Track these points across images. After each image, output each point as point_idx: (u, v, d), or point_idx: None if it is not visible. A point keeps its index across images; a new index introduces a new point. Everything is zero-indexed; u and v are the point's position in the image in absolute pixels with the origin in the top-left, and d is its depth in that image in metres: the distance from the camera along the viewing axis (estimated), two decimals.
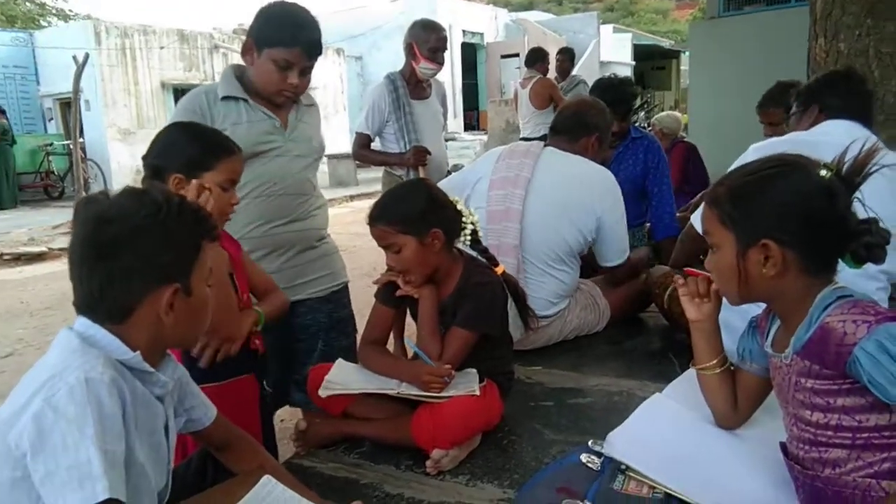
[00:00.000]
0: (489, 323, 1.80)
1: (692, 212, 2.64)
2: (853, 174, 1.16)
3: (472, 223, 1.87)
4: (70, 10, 25.34)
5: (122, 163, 13.31)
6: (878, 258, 1.14)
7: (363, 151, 3.53)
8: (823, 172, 1.16)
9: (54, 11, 24.59)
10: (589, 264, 2.78)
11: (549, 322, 2.41)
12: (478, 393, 1.69)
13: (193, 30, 14.80)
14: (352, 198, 12.35)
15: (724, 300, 1.38)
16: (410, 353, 2.07)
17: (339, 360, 1.91)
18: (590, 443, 1.50)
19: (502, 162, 2.49)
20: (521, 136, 6.60)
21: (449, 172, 3.47)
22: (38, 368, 1.04)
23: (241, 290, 1.75)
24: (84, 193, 9.95)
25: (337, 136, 14.94)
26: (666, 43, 25.84)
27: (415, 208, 1.75)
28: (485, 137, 15.02)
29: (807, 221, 1.15)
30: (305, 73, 2.10)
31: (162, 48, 13.96)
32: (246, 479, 1.27)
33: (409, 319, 2.03)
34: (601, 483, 1.34)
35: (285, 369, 2.23)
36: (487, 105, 16.14)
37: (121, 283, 1.06)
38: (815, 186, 1.15)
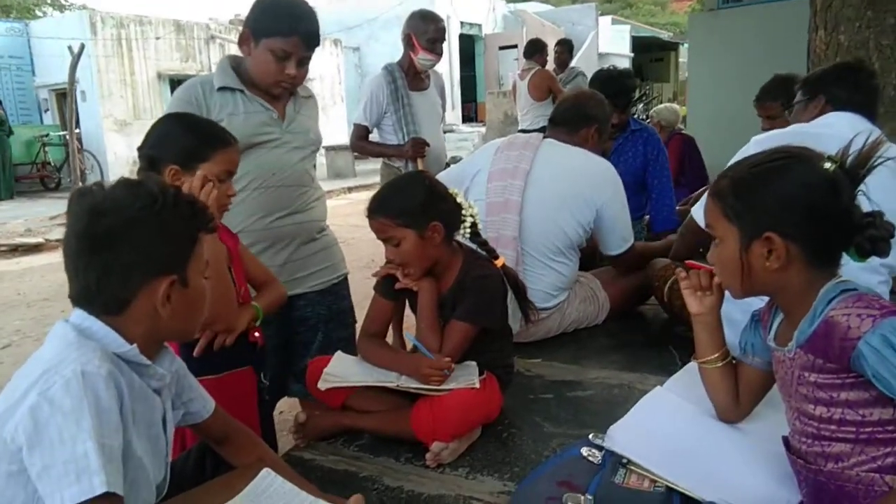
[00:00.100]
0: (489, 316, 1.80)
1: (693, 205, 2.64)
2: (857, 167, 1.15)
3: (472, 216, 1.86)
4: (65, 0, 25.20)
5: (118, 154, 13.26)
6: (883, 251, 1.13)
7: (361, 143, 3.51)
8: (828, 165, 1.15)
9: (49, 1, 24.47)
10: (588, 257, 2.77)
11: (549, 314, 2.41)
12: (478, 386, 1.69)
13: (190, 20, 14.70)
14: (350, 189, 12.32)
15: (727, 293, 1.37)
16: (409, 346, 2.07)
17: (339, 353, 1.90)
18: (590, 436, 1.49)
19: (501, 154, 2.48)
20: (519, 128, 6.59)
21: (447, 164, 3.46)
22: (33, 361, 1.03)
23: (239, 282, 1.74)
24: (80, 184, 9.90)
25: (334, 128, 14.91)
26: (664, 35, 25.76)
27: (414, 201, 1.74)
28: (483, 129, 14.98)
29: (811, 214, 1.14)
30: (303, 63, 2.08)
31: (158, 39, 13.87)
32: (245, 472, 1.26)
33: (408, 312, 2.02)
34: (602, 477, 1.34)
35: (284, 361, 2.22)
36: (486, 97, 16.07)
37: (117, 276, 1.05)
38: (819, 179, 1.14)
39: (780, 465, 1.25)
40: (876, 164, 1.15)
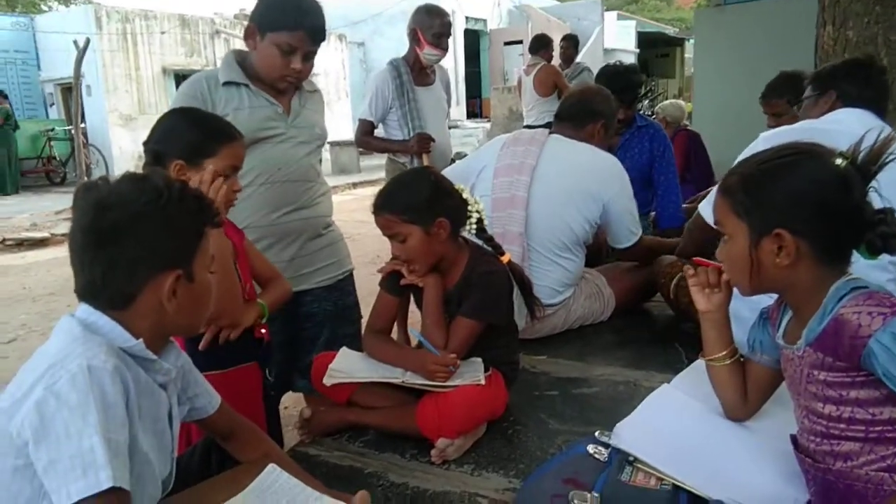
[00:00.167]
0: (495, 312, 1.79)
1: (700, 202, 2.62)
2: (869, 163, 1.14)
3: (478, 212, 1.85)
4: None
5: (123, 148, 13.28)
6: (894, 249, 1.12)
7: (366, 138, 3.49)
8: (839, 161, 1.14)
9: None
10: (594, 253, 2.76)
11: (554, 311, 2.40)
12: (483, 382, 1.69)
13: (195, 15, 14.70)
14: (354, 185, 12.32)
15: (735, 291, 1.36)
16: (414, 343, 2.06)
17: (344, 349, 1.90)
18: (596, 433, 1.48)
19: (507, 149, 2.47)
20: (524, 123, 6.56)
21: (452, 160, 3.45)
22: (39, 356, 1.03)
23: (244, 279, 1.74)
24: (86, 179, 9.93)
25: (339, 123, 14.89)
26: (670, 30, 25.64)
27: (420, 197, 1.73)
28: (488, 125, 14.95)
29: (821, 211, 1.13)
30: (309, 58, 2.08)
31: (163, 33, 13.88)
32: (251, 468, 1.26)
33: (413, 308, 2.02)
34: (609, 474, 1.33)
35: (289, 357, 2.22)
36: (490, 92, 16.04)
37: (122, 270, 1.05)
38: (830, 175, 1.13)
39: (787, 463, 1.25)
40: (888, 160, 1.14)
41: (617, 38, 21.74)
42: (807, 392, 1.17)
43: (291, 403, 2.75)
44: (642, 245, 2.57)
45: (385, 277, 1.89)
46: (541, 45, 6.54)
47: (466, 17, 19.11)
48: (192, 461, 1.37)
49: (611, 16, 22.12)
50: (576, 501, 1.27)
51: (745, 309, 1.48)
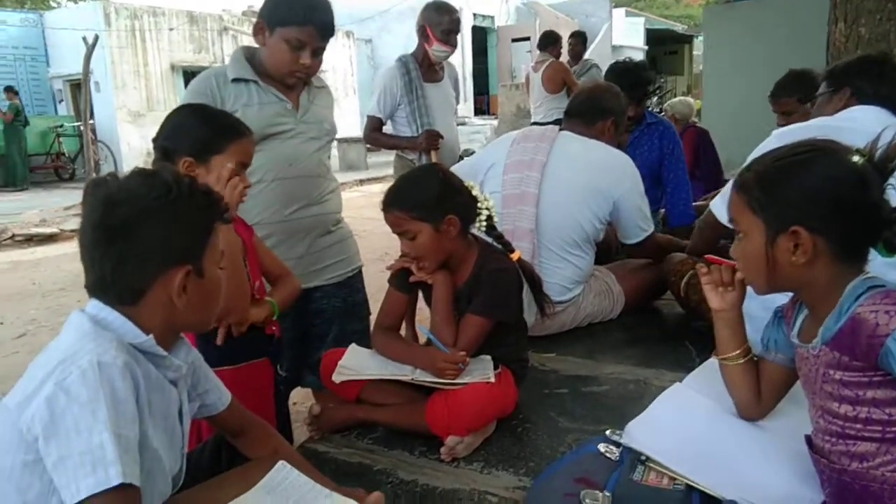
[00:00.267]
0: (504, 310, 1.78)
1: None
2: (886, 161, 1.13)
3: (488, 209, 1.84)
4: None
5: (132, 145, 13.33)
6: None
7: (375, 135, 3.48)
8: (856, 158, 1.12)
9: None
10: (604, 251, 2.75)
11: (564, 308, 2.39)
12: (493, 380, 1.68)
13: (203, 11, 14.73)
14: (362, 182, 12.32)
15: (748, 289, 1.34)
16: (422, 340, 2.05)
17: (353, 345, 1.90)
18: (607, 432, 1.47)
19: (517, 146, 2.46)
20: (532, 120, 6.54)
21: (460, 157, 3.44)
22: (50, 351, 1.03)
23: (253, 276, 1.73)
24: (94, 175, 9.98)
25: (347, 120, 14.89)
26: (679, 27, 25.55)
27: (429, 194, 1.72)
28: (495, 122, 14.93)
29: (839, 208, 1.11)
30: (318, 53, 2.08)
31: (171, 30, 13.91)
32: (261, 465, 1.26)
33: (420, 305, 2.01)
34: (621, 474, 1.32)
35: (299, 353, 2.22)
36: (498, 89, 16.02)
37: (132, 266, 1.04)
38: (847, 172, 1.11)
39: (802, 463, 1.23)
40: None
41: (625, 35, 21.68)
42: (822, 392, 1.15)
43: (300, 399, 2.75)
44: (653, 242, 2.55)
45: (394, 274, 1.88)
46: (549, 41, 6.52)
47: (474, 14, 19.08)
48: (202, 457, 1.37)
49: (619, 13, 22.06)
50: (587, 500, 1.26)
51: (757, 308, 1.46)
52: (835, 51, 3.55)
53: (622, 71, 3.29)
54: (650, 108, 3.52)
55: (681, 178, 3.24)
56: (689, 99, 5.78)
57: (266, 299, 1.73)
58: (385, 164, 12.26)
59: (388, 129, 3.49)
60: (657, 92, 13.78)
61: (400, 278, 1.87)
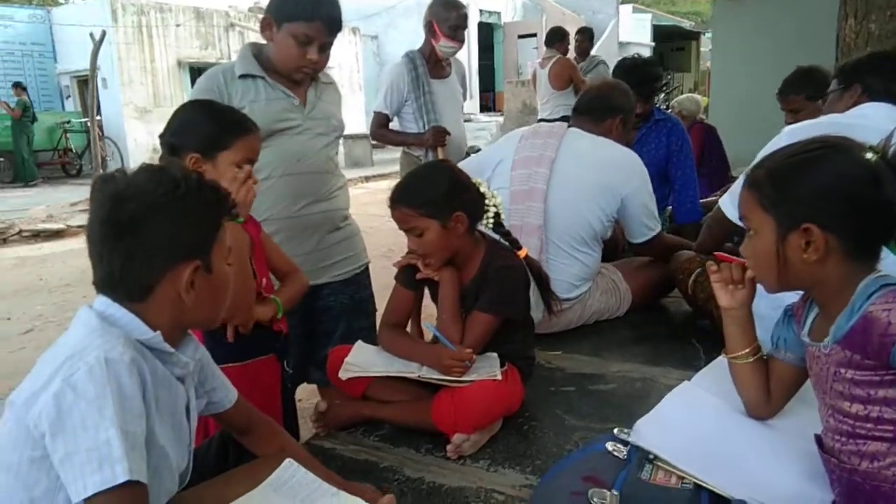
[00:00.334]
0: (512, 307, 1.77)
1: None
2: None
3: (495, 206, 1.84)
4: None
5: (138, 141, 13.36)
6: None
7: (381, 131, 3.47)
8: (869, 155, 1.11)
9: None
10: (610, 249, 2.74)
11: (570, 305, 2.38)
12: (499, 377, 1.67)
13: (209, 7, 14.74)
14: (367, 178, 12.32)
15: (759, 287, 1.33)
16: (428, 336, 2.05)
17: (359, 342, 1.89)
18: (615, 431, 1.46)
19: (525, 142, 2.45)
20: (539, 117, 6.52)
21: (467, 154, 3.43)
22: (57, 347, 1.03)
23: (260, 273, 1.72)
24: (101, 171, 10.00)
25: (353, 117, 14.88)
26: (686, 24, 25.45)
27: (438, 191, 1.72)
28: (501, 119, 14.91)
29: (851, 205, 1.10)
30: (325, 49, 2.07)
31: (178, 26, 13.93)
32: (268, 462, 1.25)
33: (426, 302, 2.01)
34: (629, 472, 1.31)
35: (306, 350, 2.22)
36: (504, 86, 15.98)
37: (140, 262, 1.04)
38: (860, 169, 1.10)
39: (811, 463, 1.22)
40: None
41: (632, 32, 21.60)
42: (833, 390, 1.14)
43: (306, 396, 2.75)
44: (660, 242, 2.54)
45: (401, 271, 1.88)
46: (556, 37, 6.49)
47: (480, 10, 19.01)
48: (208, 454, 1.37)
49: (626, 9, 21.98)
50: (595, 499, 1.25)
51: (765, 306, 1.45)
52: (844, 47, 3.52)
53: (630, 67, 3.28)
54: (657, 105, 3.50)
55: (689, 176, 3.22)
56: (697, 96, 5.75)
57: (271, 297, 1.72)
58: (391, 161, 12.25)
59: (394, 125, 3.49)
60: (664, 88, 13.74)
61: (406, 275, 1.86)
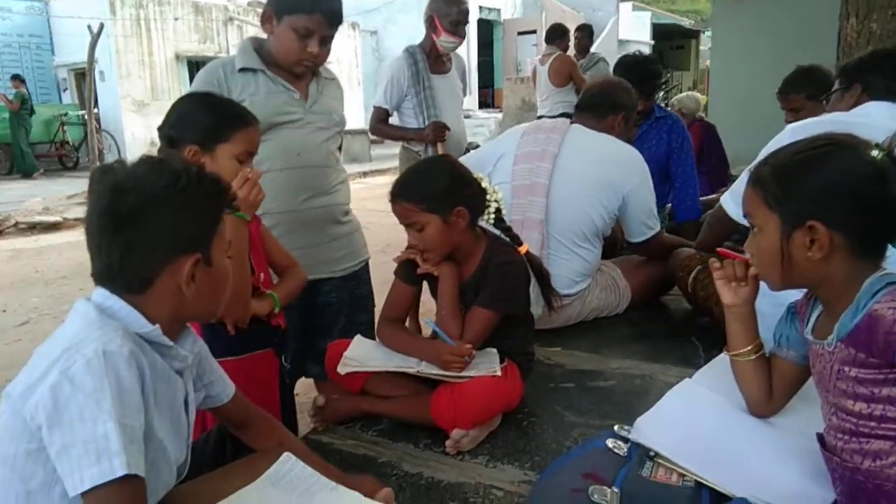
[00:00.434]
0: (512, 303, 1.77)
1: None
2: None
3: (497, 201, 1.83)
4: None
5: (136, 134, 13.31)
6: None
7: (381, 126, 3.45)
8: (875, 153, 1.10)
9: None
10: (610, 246, 2.73)
11: (570, 302, 2.38)
12: (499, 373, 1.67)
13: (208, 1, 14.68)
14: (365, 174, 12.28)
15: (762, 285, 1.32)
16: (426, 332, 2.04)
17: (358, 337, 1.89)
18: (616, 428, 1.46)
19: (528, 137, 2.45)
20: (538, 114, 6.50)
21: (466, 150, 3.41)
22: (54, 339, 1.01)
23: (259, 267, 1.71)
24: (98, 164, 9.95)
25: (351, 112, 14.79)
26: (686, 22, 25.42)
27: (439, 185, 1.71)
28: (500, 116, 14.89)
29: (857, 203, 1.09)
30: (326, 42, 2.06)
31: (176, 19, 13.87)
32: (266, 456, 1.25)
33: (425, 297, 2.00)
34: (629, 470, 1.30)
35: (305, 345, 2.21)
36: (503, 83, 15.95)
37: (140, 254, 1.03)
38: (866, 167, 1.09)
39: (813, 461, 1.21)
40: None
41: (632, 30, 21.57)
42: (836, 389, 1.14)
43: (303, 391, 2.74)
44: (659, 241, 2.54)
45: (400, 266, 1.87)
46: (557, 34, 6.47)
47: (480, 7, 18.96)
48: (206, 448, 1.36)
49: (626, 6, 21.94)
50: (596, 496, 1.24)
51: (767, 304, 1.44)
52: (846, 46, 3.51)
53: (631, 64, 3.27)
54: (657, 103, 3.49)
55: (689, 174, 3.21)
56: (697, 94, 5.74)
57: (268, 292, 1.71)
58: (389, 157, 12.23)
59: (394, 120, 3.46)
60: (664, 86, 13.74)
61: (406, 270, 1.85)
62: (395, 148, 3.63)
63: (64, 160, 13.58)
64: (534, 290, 1.90)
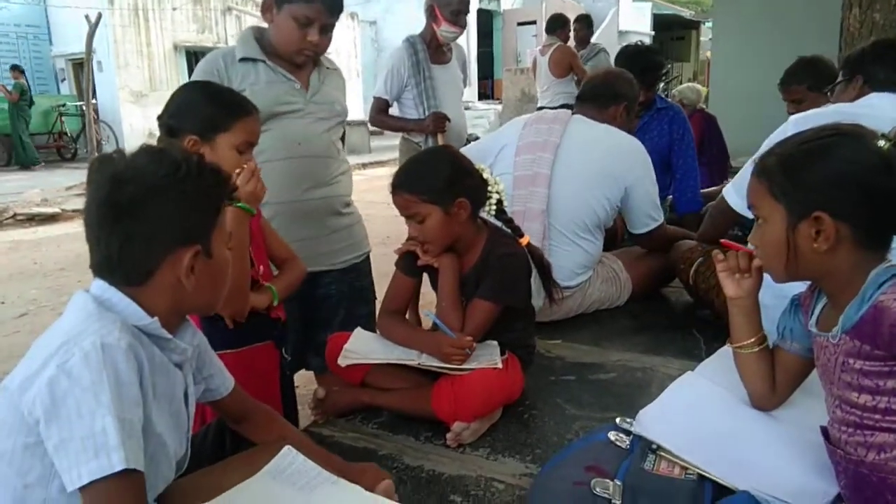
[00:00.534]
0: (513, 295, 1.76)
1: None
2: None
3: (498, 192, 1.81)
4: None
5: (134, 125, 13.27)
6: None
7: (381, 117, 3.43)
8: (882, 143, 1.09)
9: None
10: (611, 238, 2.72)
11: (571, 293, 2.37)
12: (500, 365, 1.66)
13: None
14: (364, 165, 12.24)
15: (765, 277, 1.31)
16: (427, 324, 2.03)
17: (358, 329, 1.88)
18: (617, 420, 1.45)
19: (530, 128, 2.44)
20: (538, 105, 6.48)
21: (467, 141, 3.39)
22: (52, 332, 1.00)
23: (258, 260, 1.70)
24: (97, 155, 9.92)
25: (350, 103, 14.70)
26: (686, 13, 25.33)
27: (440, 176, 1.69)
28: (499, 107, 14.84)
29: (863, 193, 1.08)
30: (326, 30, 2.04)
31: (175, 9, 13.80)
32: (267, 449, 1.24)
33: (425, 290, 1.99)
34: (632, 462, 1.30)
35: (305, 337, 2.20)
36: (503, 74, 15.89)
37: (139, 245, 1.02)
38: (873, 157, 1.08)
39: (817, 454, 1.21)
40: None
41: (632, 20, 21.49)
42: (840, 381, 1.13)
43: (303, 383, 2.74)
44: (661, 233, 2.53)
45: (401, 258, 1.86)
46: (557, 24, 6.43)
47: None
48: (205, 441, 1.35)
49: None
50: (598, 489, 1.24)
51: (768, 296, 1.43)
52: (848, 37, 3.49)
53: (633, 54, 3.25)
54: (658, 94, 3.47)
55: (690, 165, 3.20)
56: (698, 85, 5.72)
57: (266, 285, 1.70)
58: (388, 148, 12.18)
59: (394, 111, 3.44)
60: (664, 77, 13.69)
61: (406, 262, 1.84)
62: (394, 139, 3.61)
63: (62, 151, 13.54)
64: (535, 281, 1.89)
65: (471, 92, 17.92)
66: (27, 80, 12.53)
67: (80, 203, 1.22)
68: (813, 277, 1.21)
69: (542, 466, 1.47)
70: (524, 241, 1.86)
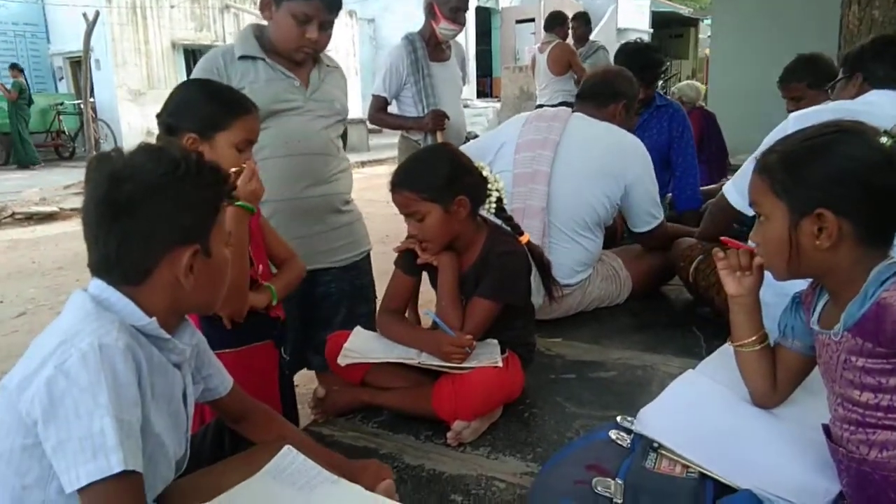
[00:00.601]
0: (513, 293, 1.75)
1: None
2: None
3: (498, 190, 1.81)
4: None
5: (132, 123, 13.25)
6: None
7: (380, 115, 3.42)
8: (884, 140, 1.09)
9: None
10: (610, 236, 2.72)
11: (571, 291, 2.36)
12: (500, 364, 1.66)
13: None
14: (363, 164, 12.22)
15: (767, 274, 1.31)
16: (427, 323, 2.03)
17: (358, 328, 1.87)
18: (618, 419, 1.45)
19: (530, 125, 2.43)
20: (537, 103, 6.46)
21: (466, 139, 3.39)
22: (50, 331, 1.00)
23: (257, 259, 1.69)
24: (95, 153, 9.90)
25: (349, 101, 14.73)
26: (685, 10, 25.29)
27: (440, 174, 1.69)
28: (498, 105, 14.82)
29: (866, 190, 1.07)
30: (325, 28, 2.04)
31: (173, 7, 13.77)
32: (266, 449, 1.23)
33: (425, 288, 1.98)
34: (633, 461, 1.29)
35: (305, 336, 2.19)
36: (501, 72, 15.88)
37: (138, 244, 1.01)
38: (875, 154, 1.08)
39: (818, 452, 1.20)
40: None
41: (631, 18, 21.45)
42: (843, 379, 1.12)
43: (303, 382, 2.73)
44: (662, 231, 2.52)
45: (400, 256, 1.85)
46: (556, 22, 6.42)
47: None
48: (204, 441, 1.34)
49: None
50: (599, 488, 1.23)
51: (771, 295, 1.43)
52: (848, 34, 3.48)
53: (633, 52, 3.24)
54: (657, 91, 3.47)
55: (689, 163, 3.20)
56: (697, 83, 5.71)
57: (265, 285, 1.69)
58: (387, 146, 12.16)
59: (392, 109, 3.43)
60: (664, 75, 13.68)
61: (406, 261, 1.84)
62: (393, 137, 3.60)
63: (60, 150, 13.51)
64: (534, 279, 1.89)
65: (469, 90, 17.89)
66: (26, 79, 12.51)
67: (78, 202, 1.21)
68: (815, 275, 1.20)
69: (542, 465, 1.47)
70: (524, 238, 1.85)
